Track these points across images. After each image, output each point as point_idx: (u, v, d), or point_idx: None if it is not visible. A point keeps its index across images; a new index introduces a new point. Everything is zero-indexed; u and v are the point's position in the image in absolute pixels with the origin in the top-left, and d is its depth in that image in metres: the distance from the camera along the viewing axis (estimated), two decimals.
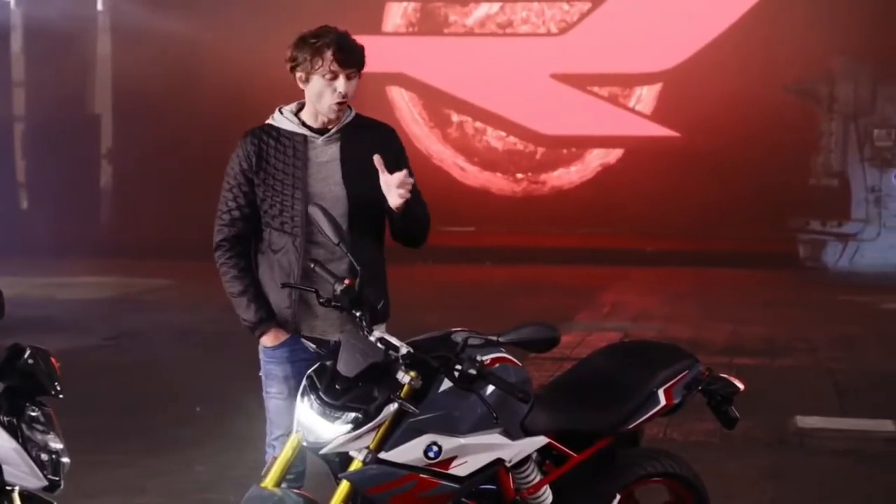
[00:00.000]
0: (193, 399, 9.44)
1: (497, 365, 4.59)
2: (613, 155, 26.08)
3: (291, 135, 4.98)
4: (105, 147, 26.14)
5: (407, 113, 26.17)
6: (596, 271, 19.89)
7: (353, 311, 4.56)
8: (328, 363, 4.47)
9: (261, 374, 5.07)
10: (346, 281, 4.62)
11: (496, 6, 26.31)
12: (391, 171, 4.83)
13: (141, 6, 24.23)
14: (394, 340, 4.46)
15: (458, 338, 4.50)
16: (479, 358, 4.42)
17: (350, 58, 4.87)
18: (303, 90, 4.96)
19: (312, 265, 4.77)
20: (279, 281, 4.91)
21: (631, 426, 4.91)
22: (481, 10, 26.34)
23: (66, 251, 20.45)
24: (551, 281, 18.70)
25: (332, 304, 4.61)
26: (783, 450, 8.48)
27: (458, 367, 4.36)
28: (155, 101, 24.50)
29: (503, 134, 26.30)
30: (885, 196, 20.88)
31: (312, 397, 4.43)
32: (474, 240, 23.75)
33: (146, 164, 24.69)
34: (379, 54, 24.47)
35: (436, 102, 26.22)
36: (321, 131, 4.98)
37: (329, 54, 4.85)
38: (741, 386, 5.15)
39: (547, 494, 4.85)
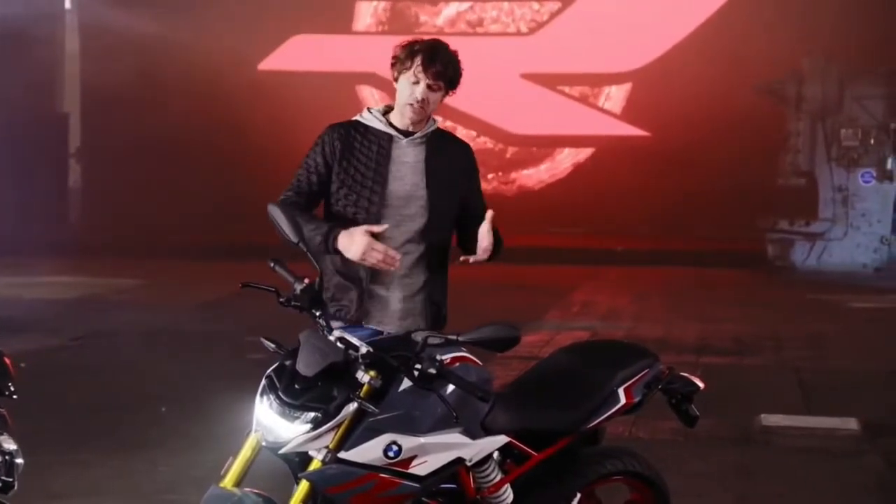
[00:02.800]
0: (159, 399, 9.42)
1: (457, 364, 4.58)
2: (583, 154, 26.15)
3: (378, 133, 5.12)
4: (74, 146, 26.09)
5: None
6: (566, 270, 19.94)
7: (313, 311, 4.56)
8: (287, 363, 4.46)
9: None
10: (306, 280, 4.62)
11: (466, 5, 26.35)
12: (466, 186, 5.17)
13: (109, 5, 24.17)
14: (354, 340, 4.45)
15: (419, 337, 4.49)
16: (439, 357, 4.41)
17: (436, 67, 4.98)
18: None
19: (272, 264, 4.76)
20: (347, 268, 5.02)
21: (591, 425, 4.90)
22: (451, 9, 26.37)
23: (35, 250, 20.37)
24: (522, 280, 18.70)
25: (292, 303, 4.61)
26: (748, 448, 8.51)
27: (418, 366, 4.35)
28: (124, 100, 24.47)
29: (473, 133, 26.34)
30: (853, 196, 21.01)
31: (272, 397, 4.41)
32: None
33: (115, 163, 24.67)
34: (349, 53, 24.59)
35: None
36: (406, 134, 5.12)
37: (419, 59, 5.00)
38: (701, 384, 5.15)
39: (508, 493, 4.84)
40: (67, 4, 26.68)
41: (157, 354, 11.71)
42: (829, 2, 22.15)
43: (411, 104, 5.02)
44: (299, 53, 25.79)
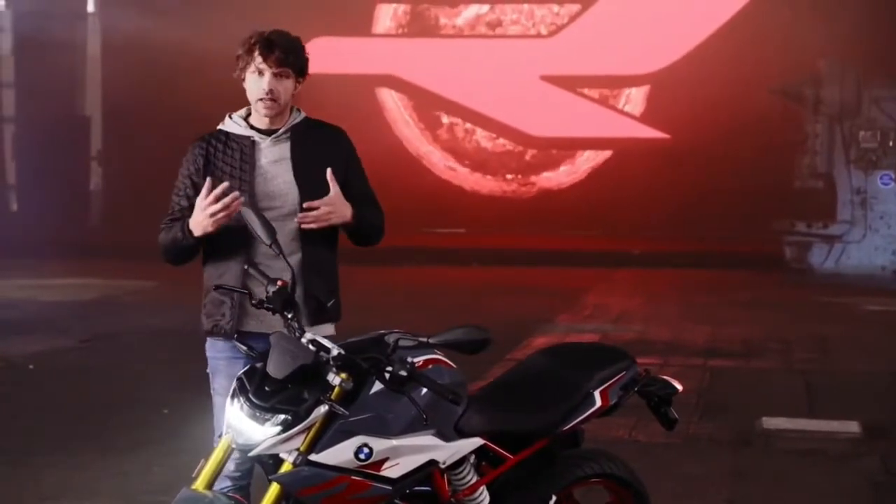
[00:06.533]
0: (161, 400, 9.43)
1: (430, 366, 4.58)
2: (602, 156, 26.12)
3: (239, 138, 5.05)
4: (95, 149, 26.21)
5: (397, 114, 26.20)
6: (582, 273, 19.93)
7: (285, 313, 4.57)
8: (258, 365, 4.48)
9: (208, 370, 5.13)
10: (279, 282, 4.63)
11: (486, 7, 26.34)
12: (341, 172, 4.98)
13: (131, 9, 24.26)
14: (325, 342, 4.45)
15: (390, 339, 4.50)
16: (410, 359, 4.41)
17: (272, 54, 4.92)
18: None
19: (247, 267, 4.79)
20: (221, 281, 4.96)
21: (566, 427, 4.90)
22: (471, 12, 26.37)
23: (56, 252, 20.50)
24: (537, 282, 18.73)
25: (265, 305, 4.63)
26: (746, 451, 8.48)
27: (389, 368, 4.36)
28: (144, 103, 24.55)
29: (493, 135, 26.33)
30: (871, 198, 20.95)
31: (242, 399, 4.43)
32: (464, 241, 23.78)
33: (136, 166, 24.73)
34: (369, 56, 24.67)
35: (426, 104, 26.24)
36: (269, 133, 5.03)
37: (256, 51, 4.93)
38: (679, 387, 5.14)
39: (483, 496, 4.83)
40: (90, 8, 26.81)
41: (164, 356, 11.75)
42: (847, 4, 22.06)
43: (262, 98, 4.94)
44: (319, 56, 25.63)
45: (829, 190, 21.30)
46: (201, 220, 4.86)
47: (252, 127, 5.06)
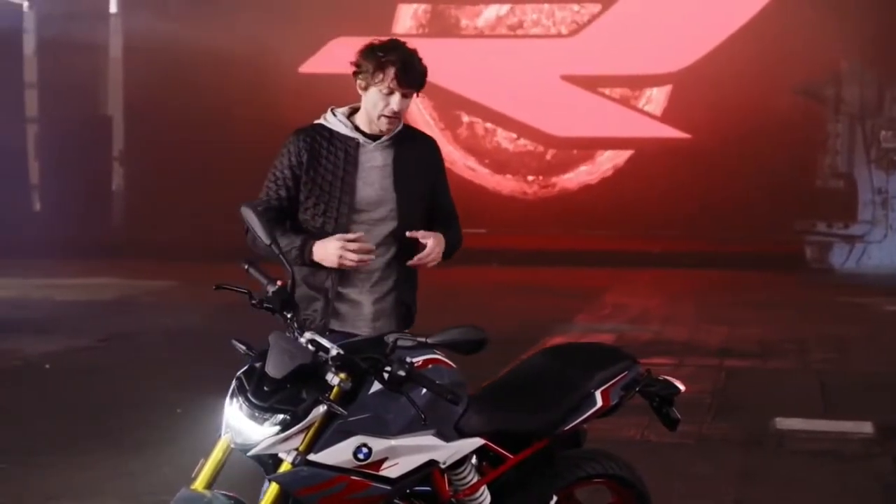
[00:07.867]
0: (173, 401, 9.41)
1: (430, 366, 4.59)
2: (623, 156, 26.05)
3: (344, 138, 5.07)
4: (117, 149, 26.26)
5: (417, 114, 26.17)
6: (602, 273, 19.92)
7: (284, 313, 4.58)
8: (257, 364, 4.49)
9: None
10: (279, 282, 4.65)
11: (506, 7, 26.31)
12: (432, 181, 5.15)
13: (153, 9, 24.33)
14: (324, 342, 4.46)
15: (390, 339, 4.50)
16: (409, 360, 4.41)
17: (410, 79, 4.93)
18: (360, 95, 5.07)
19: (246, 266, 4.81)
20: (314, 278, 5.03)
21: (567, 427, 4.89)
22: (491, 12, 26.34)
23: (78, 253, 20.59)
24: (556, 283, 18.71)
25: (264, 305, 4.64)
26: (758, 451, 8.44)
27: (388, 368, 4.37)
28: (166, 104, 24.58)
29: (513, 135, 26.28)
30: (892, 198, 20.89)
31: (241, 399, 4.45)
32: (485, 241, 23.74)
33: (158, 166, 24.79)
34: None
35: (446, 104, 26.21)
36: (373, 137, 5.07)
37: (392, 71, 4.90)
38: (682, 387, 5.13)
39: (484, 496, 4.84)
40: (112, 9, 26.87)
41: (181, 356, 11.78)
42: (868, 4, 21.95)
43: (387, 116, 4.96)
44: (340, 56, 25.62)
45: (850, 190, 21.23)
46: (330, 257, 4.91)
47: (357, 129, 5.08)
